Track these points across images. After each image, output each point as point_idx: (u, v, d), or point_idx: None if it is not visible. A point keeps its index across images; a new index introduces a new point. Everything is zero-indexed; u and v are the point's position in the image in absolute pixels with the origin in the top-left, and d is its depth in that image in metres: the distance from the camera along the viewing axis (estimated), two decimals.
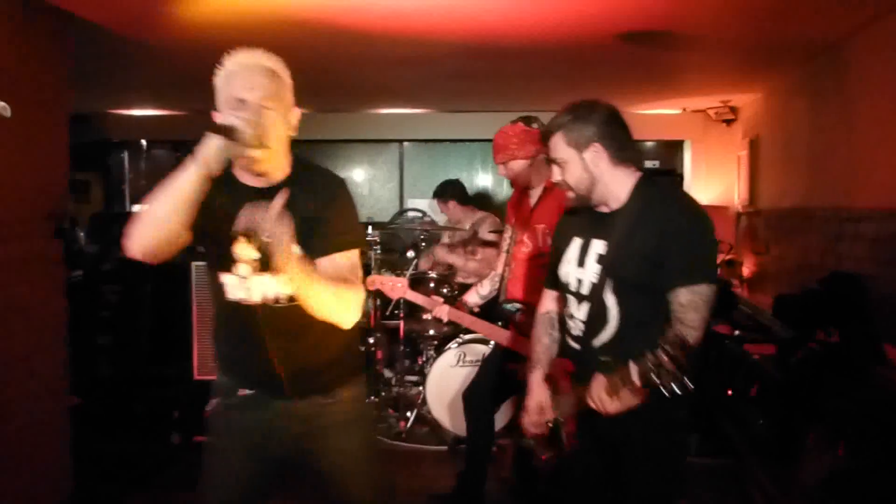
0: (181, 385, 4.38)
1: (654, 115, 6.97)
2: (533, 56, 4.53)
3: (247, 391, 2.04)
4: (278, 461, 2.09)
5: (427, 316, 4.88)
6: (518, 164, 3.13)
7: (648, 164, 4.21)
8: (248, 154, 1.80)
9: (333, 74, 5.12)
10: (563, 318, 2.26)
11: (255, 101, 1.83)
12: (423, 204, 6.93)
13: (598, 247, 2.10)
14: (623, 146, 2.07)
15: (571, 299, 2.18)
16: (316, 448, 2.06)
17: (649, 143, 7.34)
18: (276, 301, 1.91)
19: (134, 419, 4.47)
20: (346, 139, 7.33)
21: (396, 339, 5.04)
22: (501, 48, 4.30)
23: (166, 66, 4.89)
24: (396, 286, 3.63)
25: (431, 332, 4.88)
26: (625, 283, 2.03)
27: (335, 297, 1.86)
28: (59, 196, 3.40)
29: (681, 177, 4.40)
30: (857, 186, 3.92)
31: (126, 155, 7.63)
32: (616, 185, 2.08)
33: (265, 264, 1.86)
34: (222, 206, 1.83)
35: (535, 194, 3.16)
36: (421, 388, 4.74)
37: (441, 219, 6.69)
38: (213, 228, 1.86)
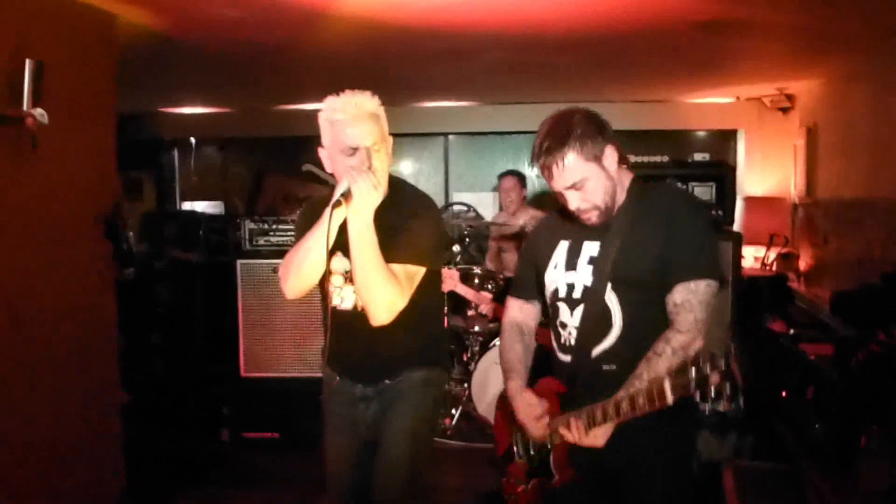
0: (230, 383, 4.44)
1: (706, 104, 6.78)
2: (580, 47, 4.43)
3: (337, 379, 2.37)
4: (368, 440, 2.34)
5: (472, 312, 4.85)
6: None
7: (698, 156, 4.09)
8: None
9: (378, 68, 5.10)
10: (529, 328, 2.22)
11: (366, 148, 2.13)
12: (468, 198, 6.88)
13: (591, 249, 2.00)
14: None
15: (561, 306, 2.05)
16: (382, 425, 2.31)
17: (700, 134, 7.14)
18: (363, 308, 2.19)
19: (185, 416, 4.55)
20: (390, 133, 7.31)
21: None
22: (548, 39, 4.21)
23: (214, 66, 4.94)
24: (448, 278, 3.62)
25: (477, 328, 4.85)
26: (629, 284, 1.92)
27: (378, 286, 2.10)
28: (108, 197, 3.46)
29: (732, 168, 4.26)
30: None
31: (176, 153, 7.76)
32: (620, 185, 2.00)
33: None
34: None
35: None
36: (466, 384, 4.71)
37: (487, 213, 6.64)
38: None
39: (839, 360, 3.14)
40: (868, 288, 3.50)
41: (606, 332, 1.95)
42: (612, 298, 1.94)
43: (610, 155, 1.95)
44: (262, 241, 4.49)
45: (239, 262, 4.43)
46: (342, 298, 2.28)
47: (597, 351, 1.96)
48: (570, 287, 2.02)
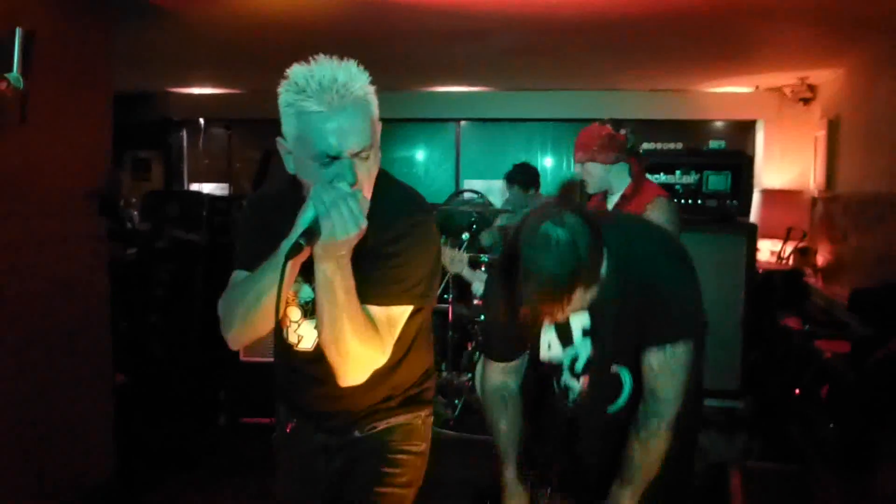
0: (229, 367, 4.36)
1: (724, 94, 6.61)
2: (597, 31, 4.29)
3: (293, 422, 1.86)
4: (329, 498, 1.83)
5: (478, 301, 4.74)
6: (596, 168, 2.96)
7: (714, 143, 3.95)
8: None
9: (387, 51, 4.98)
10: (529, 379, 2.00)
11: (350, 156, 1.48)
12: (479, 185, 6.76)
13: (581, 321, 1.82)
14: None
15: (564, 374, 1.91)
16: (347, 486, 1.79)
17: (718, 124, 6.96)
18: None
19: (181, 400, 4.47)
20: (400, 118, 7.18)
21: (445, 324, 4.91)
22: (563, 22, 4.07)
23: (223, 45, 4.85)
24: (457, 260, 3.54)
25: (482, 316, 4.73)
26: (629, 352, 1.77)
27: (350, 344, 1.53)
28: (101, 172, 3.37)
29: (749, 158, 4.12)
30: None
31: (185, 134, 7.69)
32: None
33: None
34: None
35: (612, 200, 3.01)
36: (469, 374, 4.60)
37: (497, 201, 6.52)
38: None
39: (856, 359, 3.00)
40: (889, 286, 3.35)
41: (618, 393, 1.85)
42: (616, 367, 1.83)
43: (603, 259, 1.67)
44: None
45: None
46: (300, 337, 1.72)
47: (609, 409, 1.87)
48: (573, 360, 1.88)
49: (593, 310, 1.76)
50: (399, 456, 1.77)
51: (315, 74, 1.47)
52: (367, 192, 1.54)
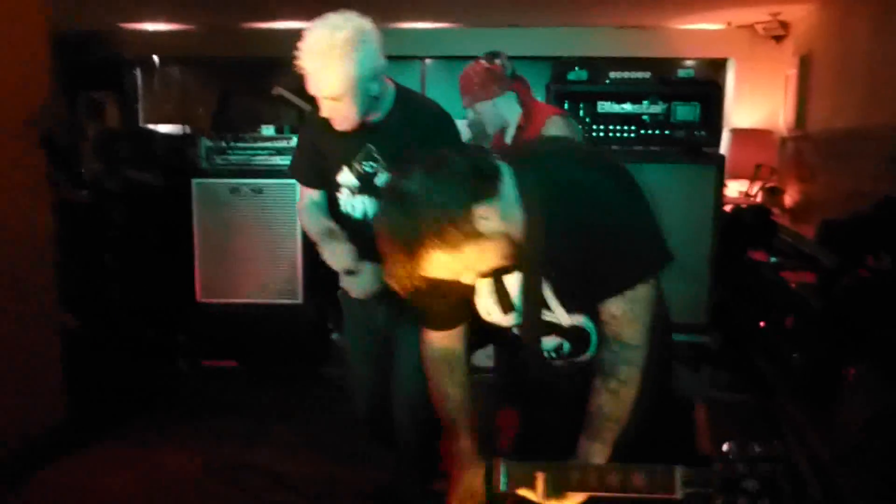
0: (187, 309, 4.22)
1: (695, 31, 6.49)
2: None
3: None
4: (386, 336, 2.30)
5: None
6: (484, 106, 2.83)
7: (682, 72, 3.83)
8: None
9: None
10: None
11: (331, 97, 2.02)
12: None
13: (514, 282, 1.60)
14: None
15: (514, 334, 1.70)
16: (399, 322, 2.22)
17: (688, 63, 6.85)
18: (368, 218, 2.18)
19: (139, 343, 4.33)
20: None
21: None
22: None
23: None
24: None
25: None
26: (584, 299, 1.56)
27: None
28: (37, 101, 3.17)
29: (720, 88, 4.01)
30: None
31: (139, 73, 7.38)
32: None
33: (363, 190, 2.21)
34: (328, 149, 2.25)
35: (510, 135, 2.85)
36: None
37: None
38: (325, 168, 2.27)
39: (823, 288, 2.96)
40: (858, 216, 3.30)
41: (586, 346, 1.64)
42: (579, 319, 1.61)
43: (487, 214, 1.38)
44: (219, 161, 4.21)
45: (195, 181, 4.16)
46: (353, 206, 2.26)
47: (585, 357, 1.67)
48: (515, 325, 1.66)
49: (523, 264, 1.52)
50: None
51: (312, 28, 2.04)
52: (357, 111, 2.09)
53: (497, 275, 1.56)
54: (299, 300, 4.11)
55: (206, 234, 4.15)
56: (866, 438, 2.28)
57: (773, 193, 5.74)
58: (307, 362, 4.22)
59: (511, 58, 2.86)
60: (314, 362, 4.25)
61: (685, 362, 3.45)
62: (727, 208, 4.54)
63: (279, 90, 4.65)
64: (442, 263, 1.37)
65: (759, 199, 5.71)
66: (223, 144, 4.21)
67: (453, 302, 1.64)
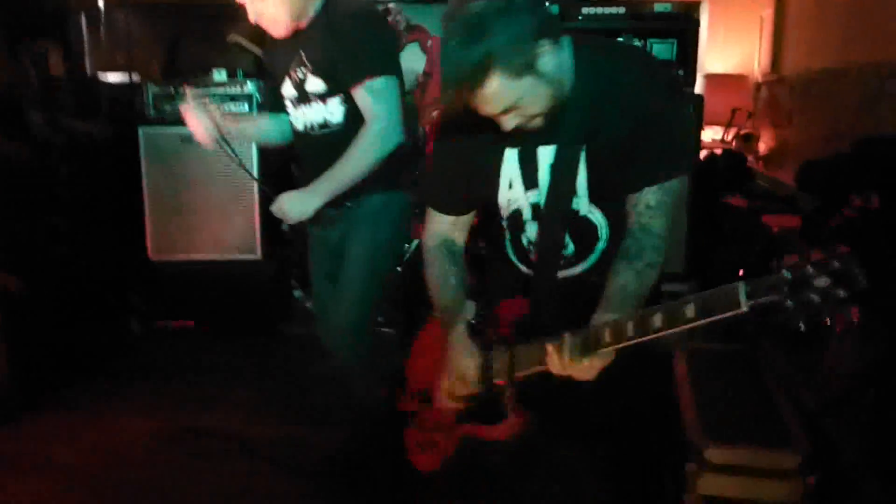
0: (138, 267, 3.99)
1: None
2: None
3: None
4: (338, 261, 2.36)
5: None
6: None
7: (659, 6, 3.65)
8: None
9: None
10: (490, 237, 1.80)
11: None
12: None
13: (548, 155, 1.57)
14: None
15: (528, 226, 1.67)
16: (346, 249, 2.33)
17: (658, 7, 6.62)
18: (312, 129, 2.28)
19: (87, 303, 4.09)
20: None
21: None
22: None
23: None
24: None
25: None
26: (608, 191, 1.57)
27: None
28: None
29: (697, 23, 3.84)
30: None
31: (84, 20, 6.96)
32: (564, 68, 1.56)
33: (300, 99, 2.27)
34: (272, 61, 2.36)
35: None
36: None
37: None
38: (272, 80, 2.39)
39: (808, 231, 2.83)
40: (839, 156, 3.17)
41: (590, 251, 1.66)
42: (594, 212, 1.62)
43: (547, 52, 1.42)
44: (168, 108, 3.93)
45: (142, 130, 3.89)
46: (295, 119, 2.33)
47: (582, 267, 1.68)
48: (536, 207, 1.63)
49: (560, 140, 1.55)
50: (378, 224, 2.32)
51: None
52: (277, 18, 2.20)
53: (533, 142, 1.57)
54: (258, 255, 3.90)
55: (155, 186, 3.90)
56: (857, 386, 2.17)
57: (747, 140, 5.62)
58: (267, 321, 4.02)
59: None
60: (274, 321, 4.05)
61: None
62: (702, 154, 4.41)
63: (234, 37, 4.42)
64: (496, 91, 1.38)
65: (734, 145, 5.59)
66: (171, 90, 3.94)
67: (468, 184, 1.69)
